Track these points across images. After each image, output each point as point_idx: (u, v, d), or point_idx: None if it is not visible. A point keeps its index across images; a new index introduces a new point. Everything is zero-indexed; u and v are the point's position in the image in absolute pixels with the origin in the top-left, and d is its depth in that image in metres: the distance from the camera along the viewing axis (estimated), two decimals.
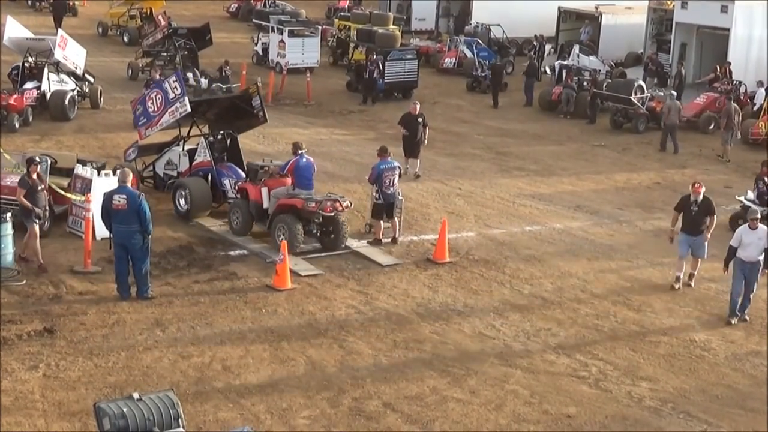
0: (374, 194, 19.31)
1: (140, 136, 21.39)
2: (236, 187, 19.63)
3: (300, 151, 18.62)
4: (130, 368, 13.57)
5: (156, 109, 20.55)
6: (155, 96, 20.59)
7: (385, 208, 19.31)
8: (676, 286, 17.92)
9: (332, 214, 18.31)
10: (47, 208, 17.64)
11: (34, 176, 17.15)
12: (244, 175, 19.93)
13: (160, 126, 20.75)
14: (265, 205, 18.72)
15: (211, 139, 20.80)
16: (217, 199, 20.19)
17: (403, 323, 15.73)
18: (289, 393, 13.16)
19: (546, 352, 15.01)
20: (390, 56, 36.16)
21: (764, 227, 16.55)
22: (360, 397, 13.18)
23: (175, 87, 20.26)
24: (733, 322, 16.53)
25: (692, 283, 18.04)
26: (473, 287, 17.53)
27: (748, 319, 16.64)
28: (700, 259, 18.11)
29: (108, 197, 15.87)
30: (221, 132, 21.14)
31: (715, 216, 18.09)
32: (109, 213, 15.81)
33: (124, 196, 15.70)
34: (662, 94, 32.36)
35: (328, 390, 13.33)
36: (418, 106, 25.43)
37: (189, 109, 20.32)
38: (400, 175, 19.96)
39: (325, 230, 18.66)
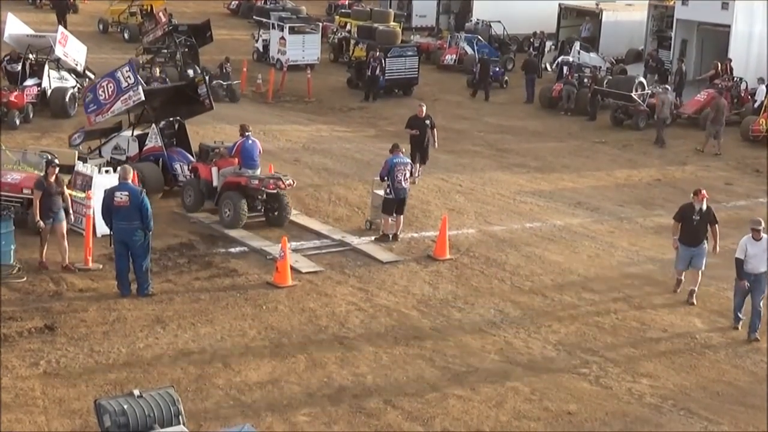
0: (386, 189, 19.31)
1: (89, 122, 21.99)
2: (189, 167, 20.71)
3: (246, 133, 19.79)
4: (130, 365, 13.57)
5: (107, 97, 21.19)
6: (106, 84, 21.23)
7: (395, 203, 19.32)
8: (677, 290, 17.47)
9: (275, 191, 19.33)
10: (68, 211, 17.31)
11: (52, 179, 16.84)
12: (193, 159, 21.00)
13: (112, 113, 21.48)
14: (215, 183, 19.80)
15: (162, 125, 21.60)
16: (168, 182, 21.08)
17: (404, 320, 15.73)
18: (289, 390, 13.17)
19: (546, 349, 15.02)
20: (391, 53, 36.16)
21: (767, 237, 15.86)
22: (360, 395, 13.18)
23: (128, 76, 20.96)
24: (738, 327, 16.10)
25: (694, 300, 17.10)
26: (474, 284, 17.53)
27: (759, 338, 15.75)
28: (700, 273, 17.35)
29: (109, 194, 15.87)
30: (171, 119, 22.00)
31: (717, 225, 17.40)
32: (110, 210, 15.82)
33: (126, 193, 15.72)
34: (661, 89, 32.36)
35: (328, 387, 13.33)
36: (424, 108, 24.39)
37: (143, 98, 21.05)
38: (412, 177, 19.90)
39: (269, 207, 19.68)
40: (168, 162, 21.02)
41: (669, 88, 31.87)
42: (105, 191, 16.25)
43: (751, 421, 13.19)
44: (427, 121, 24.02)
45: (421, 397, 13.21)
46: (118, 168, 17.12)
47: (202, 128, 28.34)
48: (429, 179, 24.22)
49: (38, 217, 16.61)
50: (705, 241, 17.29)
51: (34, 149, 20.80)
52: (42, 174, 17.36)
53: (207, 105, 22.44)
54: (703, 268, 17.37)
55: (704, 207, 17.17)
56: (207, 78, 23.58)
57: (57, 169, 17.21)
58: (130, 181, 16.17)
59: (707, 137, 29.54)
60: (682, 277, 17.54)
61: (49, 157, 18.96)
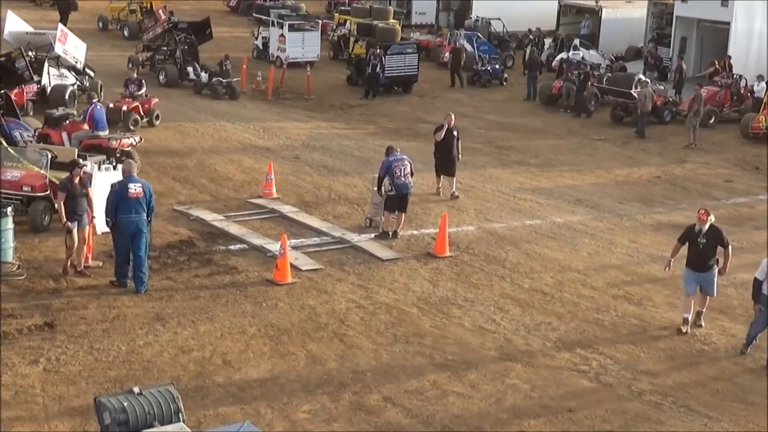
0: (388, 187, 19.28)
1: None
2: (37, 134, 22.15)
3: (93, 101, 23.46)
4: (130, 362, 13.57)
5: None
6: None
7: (398, 200, 19.28)
8: (684, 329, 15.72)
9: (129, 149, 22.29)
10: (89, 212, 16.94)
11: (77, 180, 16.52)
12: (29, 127, 22.69)
13: None
14: (66, 146, 21.54)
15: None
16: None
17: (404, 317, 15.74)
18: (289, 387, 13.17)
19: (546, 346, 15.01)
20: (390, 50, 36.14)
21: None
22: (360, 392, 13.18)
23: None
24: (746, 352, 14.99)
25: (702, 323, 15.95)
26: (473, 281, 17.53)
27: None
28: (709, 297, 16.06)
29: (123, 186, 15.79)
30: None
31: (729, 248, 15.71)
32: (119, 203, 15.72)
33: (140, 185, 15.88)
34: (662, 87, 32.40)
35: (328, 384, 13.33)
36: (452, 117, 22.64)
37: None
38: (412, 173, 19.72)
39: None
40: (7, 130, 21.94)
41: (648, 81, 32.50)
42: (114, 185, 16.06)
43: (751, 418, 13.19)
44: (454, 132, 22.48)
45: (421, 394, 13.22)
46: (123, 162, 17.11)
47: (202, 126, 28.40)
48: (429, 176, 24.21)
49: (65, 219, 16.28)
50: (715, 267, 15.74)
51: (33, 146, 20.78)
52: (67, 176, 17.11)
53: (27, 77, 24.72)
54: (714, 294, 16.04)
55: (706, 228, 15.51)
56: (24, 54, 25.73)
57: (83, 170, 16.97)
58: (136, 173, 16.29)
59: (689, 129, 29.98)
60: (689, 315, 15.85)
61: (49, 154, 18.94)
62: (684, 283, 16.00)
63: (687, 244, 15.81)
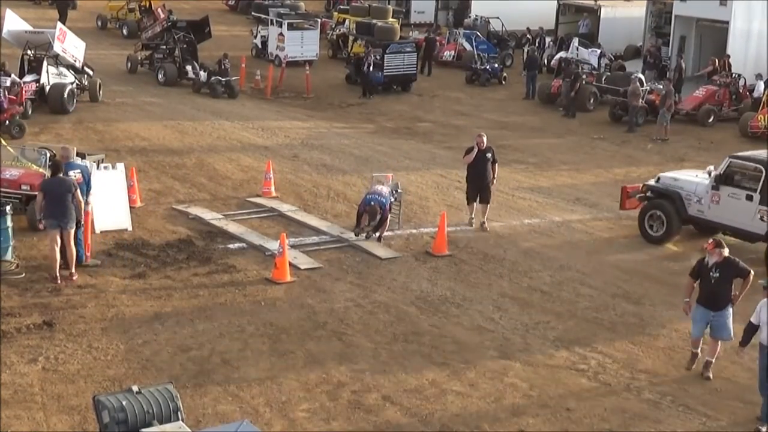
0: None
1: None
2: None
3: None
4: (129, 361, 13.57)
5: None
6: None
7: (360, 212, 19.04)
8: (692, 367, 14.22)
9: None
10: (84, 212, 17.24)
11: (58, 181, 16.42)
12: None
13: None
14: None
15: None
16: None
17: (402, 316, 15.74)
18: (288, 386, 13.17)
19: (545, 345, 15.02)
20: (389, 49, 36.14)
21: None
22: (359, 390, 13.19)
23: None
24: (763, 430, 12.74)
25: (710, 374, 14.04)
26: (472, 280, 17.53)
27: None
28: (720, 342, 14.12)
29: (64, 174, 16.27)
30: None
31: (750, 276, 13.80)
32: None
33: (79, 171, 16.58)
34: (661, 87, 32.42)
35: (327, 383, 13.34)
36: (485, 138, 20.20)
37: None
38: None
39: None
40: None
41: (640, 77, 33.14)
42: (47, 177, 16.58)
43: (749, 417, 13.18)
44: (488, 154, 20.16)
45: (420, 393, 13.22)
46: (62, 149, 17.36)
47: (201, 124, 28.41)
48: (427, 175, 24.25)
49: (38, 217, 16.43)
50: (730, 307, 13.85)
51: (32, 145, 20.78)
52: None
53: None
54: (729, 338, 14.00)
55: (713, 260, 13.71)
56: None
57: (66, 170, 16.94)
58: (73, 159, 16.85)
59: (661, 124, 30.42)
60: (699, 350, 14.26)
61: (48, 153, 18.95)
62: (692, 322, 14.15)
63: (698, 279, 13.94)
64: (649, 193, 20.24)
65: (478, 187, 20.11)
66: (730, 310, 13.84)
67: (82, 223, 16.30)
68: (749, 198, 18.72)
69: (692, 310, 14.01)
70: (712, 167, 19.85)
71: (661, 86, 31.93)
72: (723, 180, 19.10)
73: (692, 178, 20.16)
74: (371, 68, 35.46)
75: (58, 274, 15.96)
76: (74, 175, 16.25)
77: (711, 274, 13.71)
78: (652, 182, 20.55)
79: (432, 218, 20.41)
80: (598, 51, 39.54)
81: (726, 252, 13.78)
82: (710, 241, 14.01)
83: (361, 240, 18.89)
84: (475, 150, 19.99)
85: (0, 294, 15.35)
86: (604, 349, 15.02)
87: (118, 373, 13.19)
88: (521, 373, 14.00)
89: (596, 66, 37.94)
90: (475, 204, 20.26)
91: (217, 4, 53.90)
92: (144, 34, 38.61)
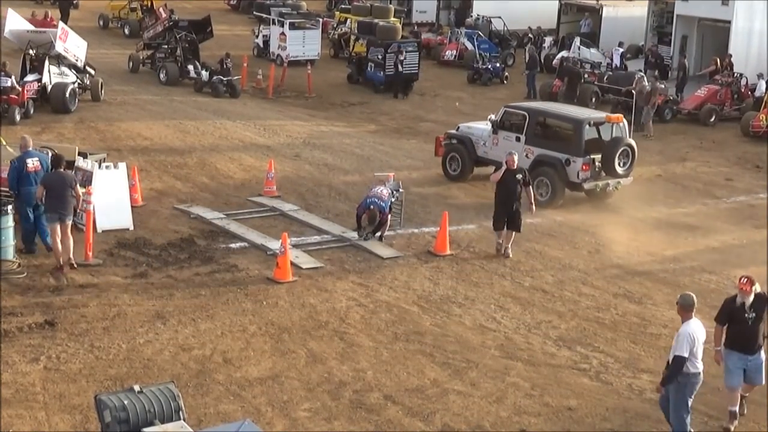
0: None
1: None
2: None
3: None
4: (131, 360, 13.57)
5: None
6: None
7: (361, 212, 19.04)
8: (731, 427, 12.72)
9: None
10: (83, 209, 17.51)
11: (60, 176, 16.61)
12: None
13: None
14: None
15: None
16: None
17: (404, 316, 15.74)
18: (289, 385, 13.17)
19: (547, 345, 15.01)
20: (391, 49, 36.13)
21: None
22: (361, 390, 13.18)
23: None
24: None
25: (745, 410, 13.01)
26: (474, 279, 17.53)
27: None
28: (755, 386, 13.00)
29: (22, 161, 16.84)
30: None
31: None
32: (20, 177, 16.76)
33: (37, 159, 16.98)
34: (663, 86, 32.42)
35: (328, 382, 13.33)
36: (515, 157, 18.83)
37: None
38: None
39: None
40: None
41: (643, 77, 33.40)
42: (14, 161, 17.07)
43: (751, 417, 13.18)
44: (519, 176, 18.61)
45: (422, 393, 13.22)
46: (20, 138, 17.82)
47: (203, 124, 28.41)
48: (428, 174, 24.24)
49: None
50: (763, 349, 12.61)
51: (34, 144, 20.77)
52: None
53: None
54: (762, 383, 12.89)
55: (751, 300, 12.42)
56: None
57: (68, 166, 17.39)
58: (32, 148, 17.28)
59: (646, 120, 30.49)
60: (736, 408, 12.74)
61: (50, 153, 18.94)
62: (726, 372, 12.65)
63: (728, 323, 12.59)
64: (452, 141, 24.35)
65: (507, 212, 18.55)
66: (763, 354, 12.64)
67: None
68: (518, 139, 22.90)
69: (726, 358, 12.67)
70: (492, 115, 23.84)
71: (647, 83, 31.86)
72: (500, 126, 23.39)
73: (482, 125, 24.26)
74: (399, 67, 35.58)
75: (61, 263, 16.37)
76: (32, 163, 16.80)
77: (746, 315, 12.41)
78: (452, 131, 24.78)
79: (434, 218, 20.40)
80: (621, 50, 39.52)
81: (758, 288, 12.57)
82: (744, 280, 12.46)
83: (362, 240, 18.89)
84: (504, 168, 18.72)
85: (1, 293, 15.35)
86: (606, 348, 15.01)
87: (120, 373, 13.19)
88: (523, 373, 14.00)
89: (618, 65, 38.19)
90: (503, 231, 18.78)
91: (219, 3, 53.90)
92: (146, 33, 38.59)
